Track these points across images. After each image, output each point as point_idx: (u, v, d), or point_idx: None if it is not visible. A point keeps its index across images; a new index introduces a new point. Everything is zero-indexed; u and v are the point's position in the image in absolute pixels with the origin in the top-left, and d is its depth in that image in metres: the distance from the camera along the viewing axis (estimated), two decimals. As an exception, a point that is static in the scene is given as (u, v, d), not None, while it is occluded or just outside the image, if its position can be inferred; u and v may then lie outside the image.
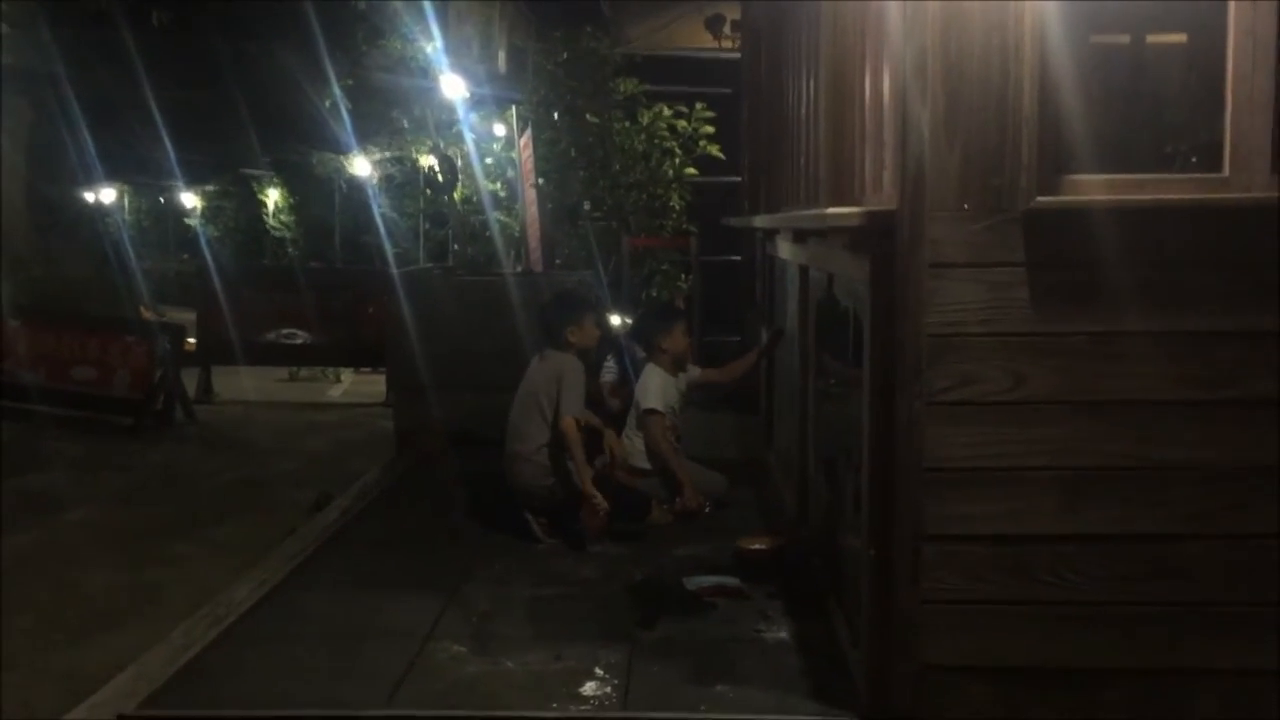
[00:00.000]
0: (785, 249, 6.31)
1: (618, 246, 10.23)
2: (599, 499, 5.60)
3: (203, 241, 24.73)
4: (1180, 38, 3.82)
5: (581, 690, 3.92)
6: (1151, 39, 3.84)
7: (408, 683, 3.99)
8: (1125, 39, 3.77)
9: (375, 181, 19.72)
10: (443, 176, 12.08)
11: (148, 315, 14.45)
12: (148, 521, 7.08)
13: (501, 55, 10.02)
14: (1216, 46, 3.27)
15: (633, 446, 6.26)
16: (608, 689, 3.93)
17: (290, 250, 24.70)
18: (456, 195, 11.60)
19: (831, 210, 3.98)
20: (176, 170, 22.42)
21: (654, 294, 10.66)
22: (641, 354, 6.70)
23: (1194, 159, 3.66)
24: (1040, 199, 3.22)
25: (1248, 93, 3.21)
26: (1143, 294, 3.23)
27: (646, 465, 6.19)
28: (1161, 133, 3.67)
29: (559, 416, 5.71)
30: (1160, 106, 3.72)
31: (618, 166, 10.70)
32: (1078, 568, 3.33)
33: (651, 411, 6.13)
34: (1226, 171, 3.26)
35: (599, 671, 4.06)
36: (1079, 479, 3.29)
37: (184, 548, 6.47)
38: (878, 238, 3.46)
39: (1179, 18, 3.63)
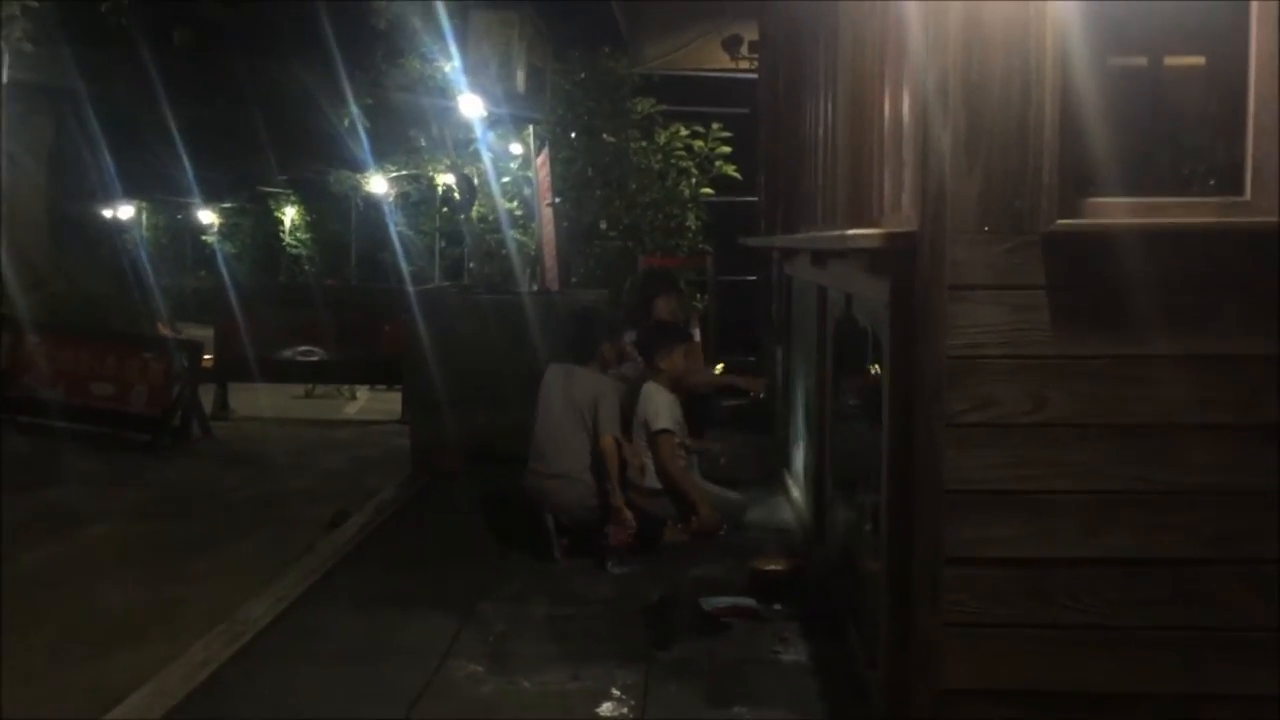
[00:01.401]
0: (803, 269, 6.31)
1: (634, 266, 10.25)
2: (629, 515, 5.64)
3: (219, 258, 24.88)
4: (1200, 60, 3.81)
5: (598, 710, 3.93)
6: (1173, 61, 3.83)
7: (424, 701, 4.00)
8: (1145, 61, 3.77)
9: (391, 200, 19.82)
10: (460, 195, 12.14)
11: (165, 332, 14.50)
12: (166, 538, 7.10)
13: (520, 75, 10.06)
14: (1238, 69, 3.28)
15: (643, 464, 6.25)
16: (624, 710, 3.93)
17: (306, 268, 24.84)
18: (474, 213, 11.65)
19: (852, 231, 3.98)
20: (194, 187, 22.60)
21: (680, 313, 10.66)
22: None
23: (1212, 182, 3.66)
24: (1061, 221, 3.21)
25: (1270, 116, 3.21)
26: (1164, 317, 3.21)
27: (657, 484, 6.17)
28: (1182, 155, 3.66)
29: (598, 435, 5.73)
30: (1181, 129, 3.71)
31: (634, 186, 10.74)
32: (1098, 591, 3.31)
33: (664, 432, 6.12)
34: (1248, 195, 3.26)
35: (616, 692, 4.06)
36: (1099, 502, 3.28)
37: (202, 564, 6.48)
38: (898, 259, 3.46)
39: (1200, 40, 3.63)
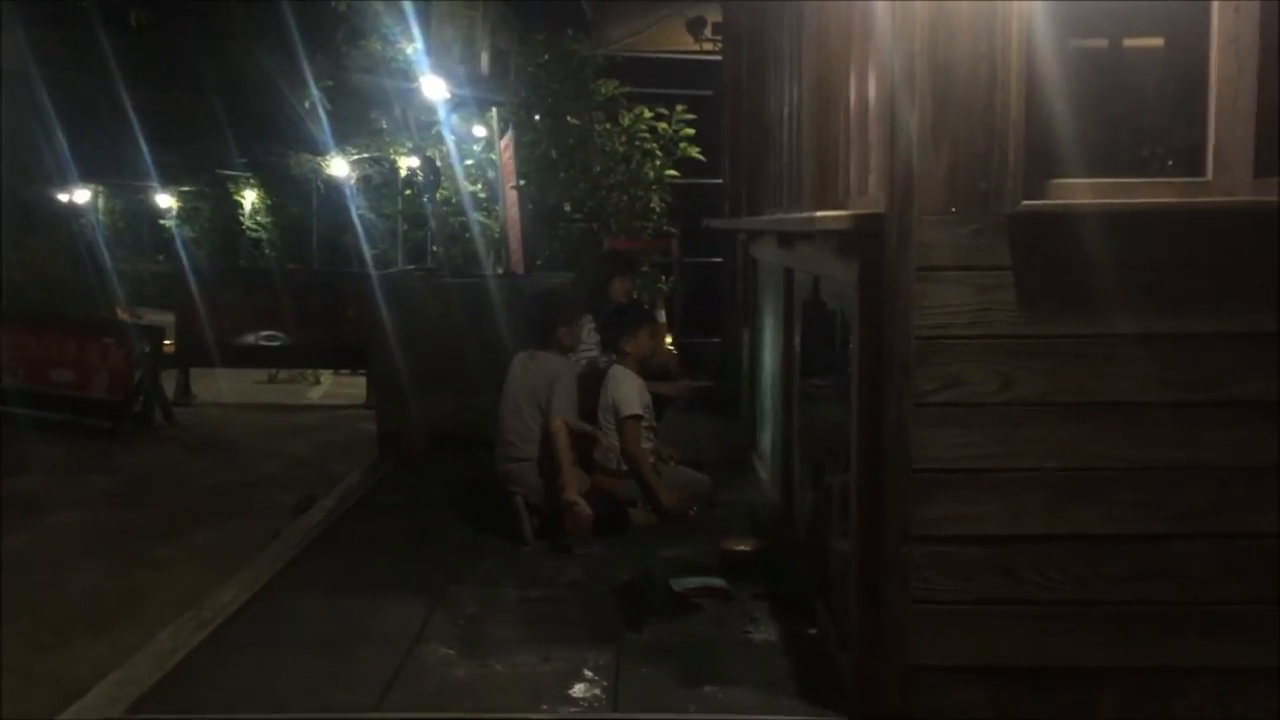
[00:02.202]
0: (769, 251, 6.34)
1: (599, 248, 10.23)
2: (582, 505, 5.67)
3: (178, 242, 24.59)
4: (1163, 42, 3.86)
5: (571, 692, 3.93)
6: (1136, 44, 3.88)
7: (397, 685, 3.99)
8: (1109, 45, 3.81)
9: (353, 182, 19.66)
10: (424, 177, 12.07)
11: (125, 317, 14.35)
12: (131, 525, 7.03)
13: (484, 57, 10.01)
14: (1200, 50, 3.32)
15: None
16: (596, 690, 3.94)
17: (267, 251, 24.62)
18: (438, 196, 11.58)
19: (820, 213, 4.00)
20: (152, 171, 22.35)
21: (635, 295, 10.66)
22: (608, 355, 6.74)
23: (1172, 163, 3.71)
24: (1026, 203, 3.25)
25: (1231, 97, 3.26)
26: (1128, 297, 3.26)
27: (624, 468, 6.17)
28: (1145, 136, 3.71)
29: (549, 418, 5.76)
30: (1144, 111, 3.76)
31: (599, 168, 10.71)
32: (1065, 568, 3.36)
33: (634, 416, 6.12)
34: (1209, 175, 3.31)
35: (588, 673, 4.07)
36: (1066, 480, 3.33)
37: (168, 551, 6.43)
38: (866, 240, 3.49)
39: (1163, 23, 3.68)
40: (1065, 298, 3.29)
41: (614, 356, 6.42)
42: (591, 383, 6.37)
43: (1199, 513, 3.30)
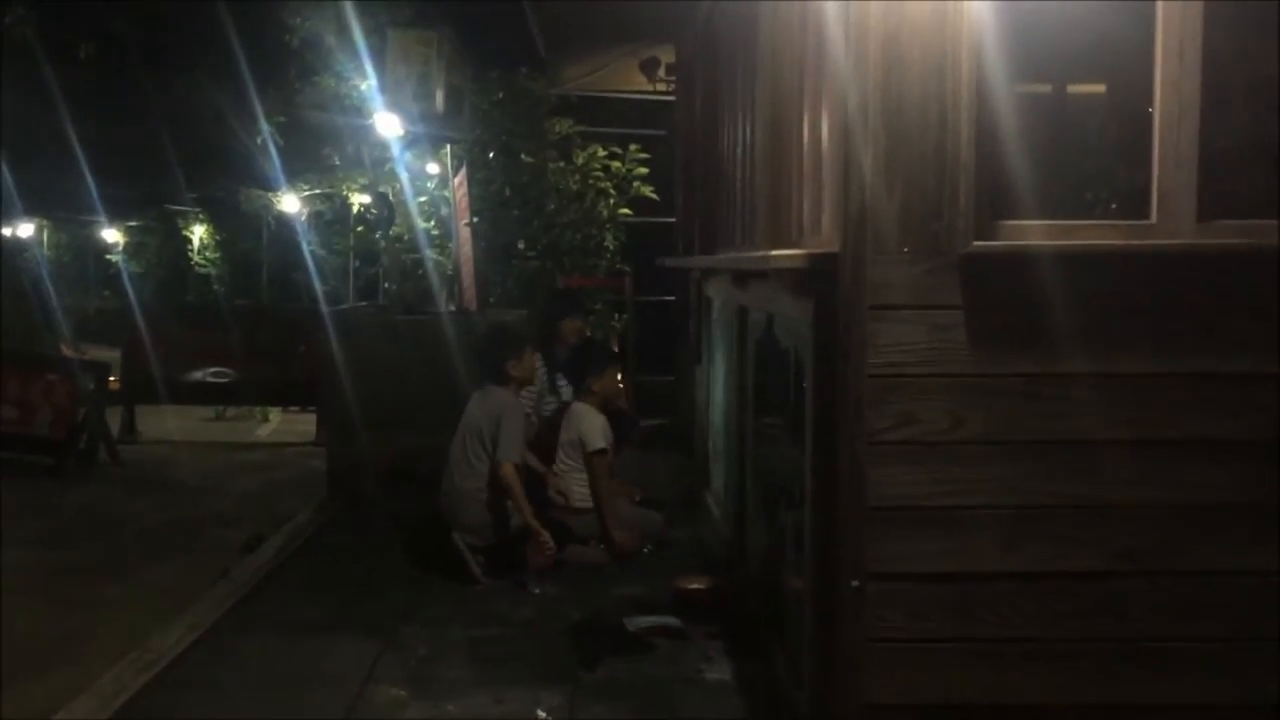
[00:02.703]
0: (723, 290, 6.36)
1: (553, 285, 10.24)
2: (546, 537, 5.65)
3: (125, 278, 24.31)
4: (1109, 88, 3.94)
5: (524, 733, 3.90)
6: (1085, 89, 3.95)
7: (347, 728, 3.93)
8: (1057, 89, 3.88)
9: (305, 218, 19.54)
10: (377, 213, 12.02)
11: (70, 353, 14.13)
12: (73, 564, 6.90)
13: (439, 94, 10.00)
14: (1143, 97, 3.39)
15: (567, 485, 6.22)
16: (550, 731, 3.91)
17: (216, 287, 24.38)
18: (391, 232, 11.54)
19: (775, 252, 4.03)
20: (98, 205, 22.09)
21: (588, 333, 10.66)
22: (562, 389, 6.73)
23: (1114, 205, 3.78)
24: (978, 243, 3.29)
25: (1174, 143, 3.32)
26: (1077, 336, 3.30)
27: (586, 504, 6.15)
28: (1092, 179, 3.77)
29: (497, 460, 5.72)
30: (1092, 154, 3.83)
31: (552, 206, 10.72)
32: (1016, 605, 3.37)
33: (601, 452, 6.11)
34: (1154, 218, 3.37)
35: (541, 714, 4.04)
36: (1017, 518, 3.35)
37: (112, 591, 6.32)
38: (820, 279, 3.51)
39: (1110, 69, 3.75)
40: (1015, 337, 3.32)
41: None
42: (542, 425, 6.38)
43: (1148, 550, 3.34)
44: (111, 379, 11.27)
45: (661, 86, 11.51)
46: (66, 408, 10.24)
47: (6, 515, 8.18)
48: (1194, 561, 3.33)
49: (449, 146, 10.32)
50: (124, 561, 6.97)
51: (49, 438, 10.16)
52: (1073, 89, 4.08)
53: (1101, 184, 3.79)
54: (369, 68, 10.49)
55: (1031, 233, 3.34)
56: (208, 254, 25.23)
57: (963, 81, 3.27)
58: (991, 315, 3.32)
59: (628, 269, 11.16)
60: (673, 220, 10.84)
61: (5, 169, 16.65)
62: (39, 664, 5.13)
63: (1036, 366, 3.32)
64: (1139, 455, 3.33)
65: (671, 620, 4.93)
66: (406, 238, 11.61)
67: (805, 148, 4.44)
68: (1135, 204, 3.46)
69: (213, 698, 4.21)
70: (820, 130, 4.14)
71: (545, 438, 6.55)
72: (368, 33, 10.49)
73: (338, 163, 13.54)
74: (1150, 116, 3.37)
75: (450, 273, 10.42)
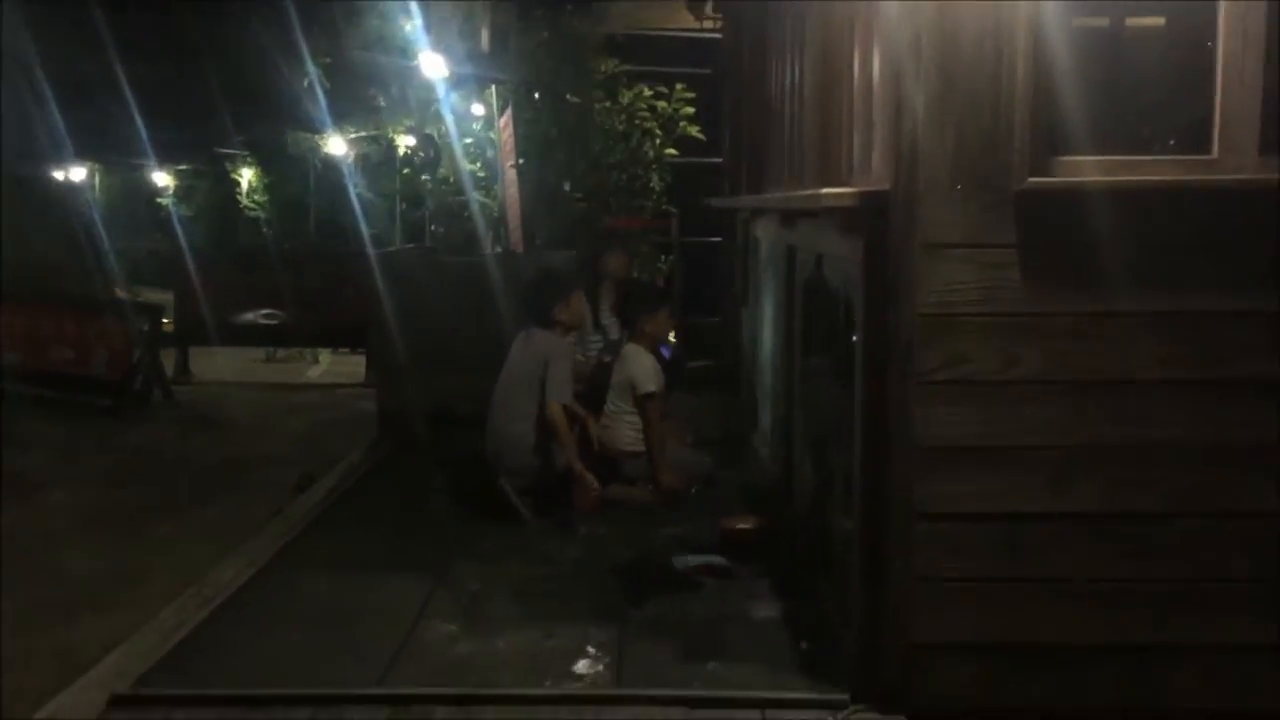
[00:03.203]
0: (771, 230, 6.32)
1: (599, 227, 10.21)
2: (590, 479, 5.68)
3: (175, 221, 24.51)
4: (1170, 20, 3.85)
5: (574, 668, 3.95)
6: (1144, 22, 3.87)
7: (399, 662, 4.00)
8: (1116, 22, 3.79)
9: (351, 161, 19.57)
10: (423, 156, 12.02)
11: (123, 295, 14.34)
12: (131, 503, 7.05)
13: (484, 34, 9.95)
14: (1205, 29, 3.30)
15: (617, 428, 6.22)
16: (599, 667, 3.96)
17: (264, 230, 24.55)
18: (439, 174, 11.54)
19: (825, 190, 3.99)
20: (149, 149, 22.25)
21: (635, 275, 10.64)
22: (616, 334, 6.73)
23: (1172, 141, 3.70)
24: (1033, 180, 3.24)
25: (1238, 74, 3.24)
26: (1134, 275, 3.26)
27: (637, 448, 6.14)
28: (1151, 114, 3.70)
29: (545, 401, 5.74)
30: (1152, 88, 3.75)
31: (598, 147, 10.65)
32: (1065, 545, 3.36)
33: (651, 395, 6.10)
34: (1216, 153, 3.30)
35: (590, 650, 4.09)
36: (1069, 458, 3.33)
37: (169, 529, 6.45)
38: (871, 218, 3.48)
39: (1170, 2, 3.66)
40: (1069, 276, 3.28)
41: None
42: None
43: (1201, 491, 3.31)
44: (165, 321, 11.42)
45: (709, 24, 11.36)
46: (122, 349, 10.41)
47: (64, 455, 8.36)
48: (1246, 503, 3.31)
49: (494, 87, 10.26)
50: (180, 500, 7.10)
51: (105, 378, 10.34)
52: (1130, 23, 3.99)
53: (1160, 119, 3.72)
54: (414, 7, 10.44)
55: (1088, 169, 3.29)
56: (256, 197, 25.38)
57: (1019, 15, 3.20)
58: (1045, 253, 3.28)
59: (674, 210, 11.11)
60: (719, 161, 10.76)
61: (57, 114, 16.79)
62: (102, 599, 5.26)
63: (1090, 306, 3.29)
64: (1194, 396, 3.29)
65: (718, 560, 4.95)
66: (452, 180, 11.60)
67: (856, 84, 4.38)
68: (1195, 139, 3.38)
69: (269, 631, 4.29)
70: (871, 66, 4.08)
71: (597, 377, 6.57)
72: (412, -29, 10.42)
73: (383, 105, 13.52)
74: (1210, 50, 3.28)
75: (496, 215, 10.42)
